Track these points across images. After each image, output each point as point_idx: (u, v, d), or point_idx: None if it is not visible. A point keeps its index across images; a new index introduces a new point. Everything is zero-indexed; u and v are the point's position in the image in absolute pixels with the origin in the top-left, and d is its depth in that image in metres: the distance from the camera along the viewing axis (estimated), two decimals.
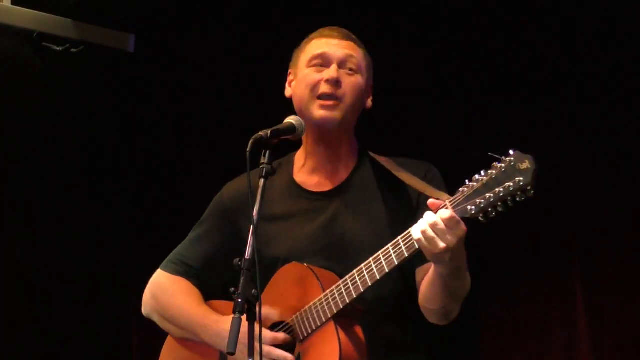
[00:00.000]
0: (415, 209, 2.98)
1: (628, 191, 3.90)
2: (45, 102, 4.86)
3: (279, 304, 2.97)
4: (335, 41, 3.08)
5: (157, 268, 3.33)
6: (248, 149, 2.75)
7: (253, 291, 2.64)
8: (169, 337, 3.26)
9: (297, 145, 3.15)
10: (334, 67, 3.04)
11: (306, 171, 3.16)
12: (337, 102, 3.03)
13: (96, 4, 4.85)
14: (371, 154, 3.12)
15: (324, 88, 3.03)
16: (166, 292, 3.24)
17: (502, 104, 4.13)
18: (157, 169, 5.11)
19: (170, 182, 5.08)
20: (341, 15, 4.31)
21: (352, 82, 3.04)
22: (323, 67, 3.06)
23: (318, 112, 3.04)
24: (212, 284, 3.20)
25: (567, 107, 4.01)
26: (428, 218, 2.68)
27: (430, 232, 2.67)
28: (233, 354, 2.58)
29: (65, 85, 4.92)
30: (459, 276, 2.80)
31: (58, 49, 4.77)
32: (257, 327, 2.61)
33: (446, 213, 2.66)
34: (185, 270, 3.23)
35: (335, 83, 3.02)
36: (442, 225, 2.66)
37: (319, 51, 3.07)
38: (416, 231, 2.70)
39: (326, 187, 3.12)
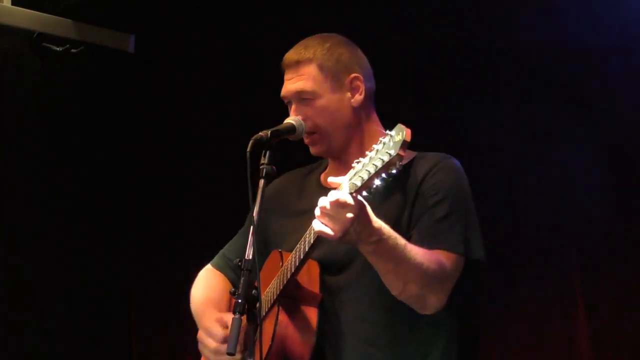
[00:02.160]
0: (412, 201, 2.97)
1: (628, 190, 3.90)
2: (45, 102, 4.86)
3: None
4: (288, 74, 3.10)
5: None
6: (248, 149, 2.79)
7: (253, 291, 2.66)
8: None
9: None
10: (292, 108, 3.08)
11: (328, 171, 3.20)
12: (312, 137, 3.07)
13: (96, 4, 4.85)
14: None
15: None
16: (197, 283, 3.35)
17: (502, 104, 4.13)
18: (158, 169, 5.11)
19: (171, 181, 5.08)
20: (337, 15, 4.32)
21: (312, 111, 3.05)
22: (291, 106, 3.10)
23: (309, 147, 3.11)
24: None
25: (567, 107, 4.01)
26: (319, 203, 2.69)
27: (322, 217, 2.68)
28: (233, 354, 2.60)
29: (65, 85, 4.92)
30: (387, 250, 2.78)
31: (58, 49, 4.77)
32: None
33: (333, 194, 2.66)
34: (224, 264, 3.33)
35: None
36: (330, 207, 2.65)
37: (281, 94, 3.11)
38: (313, 222, 2.72)
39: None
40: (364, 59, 3.14)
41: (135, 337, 5.12)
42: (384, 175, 2.60)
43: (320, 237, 2.77)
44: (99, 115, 5.03)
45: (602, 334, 3.93)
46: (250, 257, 2.71)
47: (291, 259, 2.93)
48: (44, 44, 4.77)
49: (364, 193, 2.64)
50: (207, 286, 3.31)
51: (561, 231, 4.02)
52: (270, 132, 2.88)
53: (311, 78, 3.05)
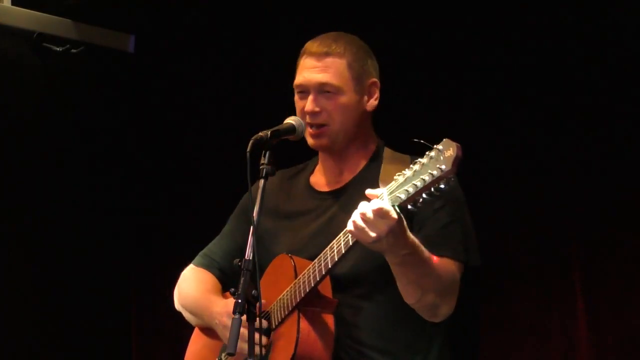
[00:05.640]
0: None
1: (628, 191, 3.90)
2: (45, 102, 4.86)
3: (265, 294, 2.97)
4: (312, 62, 3.07)
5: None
6: (248, 150, 2.79)
7: (253, 291, 2.66)
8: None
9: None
10: (310, 98, 3.07)
11: (318, 172, 3.23)
12: (321, 129, 3.08)
13: (96, 4, 4.85)
14: (387, 151, 3.15)
15: (307, 118, 3.07)
16: (186, 281, 3.35)
17: (503, 104, 4.14)
18: (158, 169, 5.11)
19: (171, 181, 5.08)
20: (338, 19, 4.32)
21: (332, 105, 3.06)
22: (305, 95, 3.08)
23: (309, 138, 3.11)
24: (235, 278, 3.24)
25: (566, 108, 4.01)
26: (359, 208, 2.71)
27: (360, 223, 2.70)
28: (233, 354, 2.61)
29: (65, 85, 4.92)
30: (414, 264, 2.82)
31: (58, 49, 4.77)
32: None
33: (375, 203, 2.69)
34: (208, 263, 3.33)
35: (313, 115, 3.07)
36: (370, 215, 2.68)
37: (298, 81, 3.09)
38: (349, 222, 2.74)
39: (333, 186, 3.17)
40: (377, 66, 3.18)
41: (135, 337, 5.12)
42: (432, 189, 2.62)
43: (350, 249, 2.81)
44: (99, 115, 5.03)
45: (602, 334, 3.93)
46: (250, 257, 2.71)
47: (313, 268, 2.93)
48: (44, 44, 4.77)
49: (409, 206, 2.67)
50: (200, 281, 3.30)
51: (561, 231, 4.02)
52: (270, 132, 2.89)
53: (339, 73, 3.07)
